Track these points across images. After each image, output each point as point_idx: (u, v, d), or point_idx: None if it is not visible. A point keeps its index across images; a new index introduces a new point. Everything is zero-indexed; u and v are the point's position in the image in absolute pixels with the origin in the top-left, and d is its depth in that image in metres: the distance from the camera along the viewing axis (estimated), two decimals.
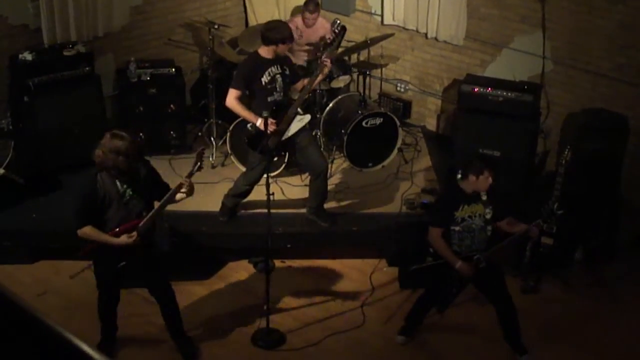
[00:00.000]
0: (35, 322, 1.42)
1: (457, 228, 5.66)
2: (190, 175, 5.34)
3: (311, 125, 7.58)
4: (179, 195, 5.35)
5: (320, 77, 6.62)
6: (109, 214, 5.23)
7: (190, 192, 5.37)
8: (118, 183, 5.19)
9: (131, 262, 5.44)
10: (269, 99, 6.46)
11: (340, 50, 8.00)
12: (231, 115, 7.00)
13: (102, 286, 5.71)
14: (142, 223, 5.29)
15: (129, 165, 5.10)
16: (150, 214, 5.33)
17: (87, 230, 5.23)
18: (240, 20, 9.23)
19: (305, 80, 6.65)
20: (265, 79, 6.42)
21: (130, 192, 5.24)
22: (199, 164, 5.36)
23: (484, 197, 5.65)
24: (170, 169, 7.44)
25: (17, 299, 1.44)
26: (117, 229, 5.24)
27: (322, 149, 7.66)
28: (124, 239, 5.24)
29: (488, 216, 5.68)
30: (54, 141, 7.42)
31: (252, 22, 9.06)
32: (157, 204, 5.41)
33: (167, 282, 5.75)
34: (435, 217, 5.85)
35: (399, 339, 6.22)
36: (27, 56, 7.21)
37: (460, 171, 6.78)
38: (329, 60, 6.51)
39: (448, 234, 5.68)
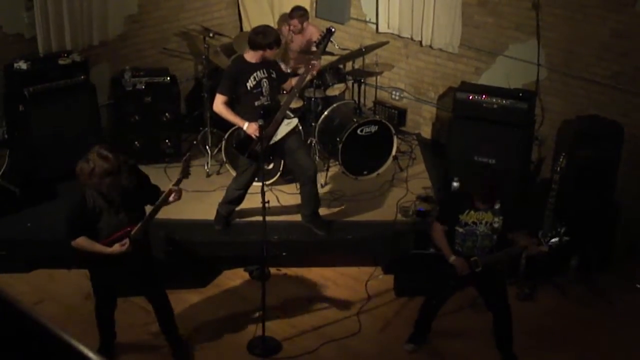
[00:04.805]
0: (36, 325, 1.42)
1: (460, 230, 5.67)
2: (178, 182, 5.33)
3: (306, 133, 7.60)
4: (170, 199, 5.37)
5: (307, 78, 6.61)
6: (100, 223, 5.23)
7: (178, 198, 5.37)
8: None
9: (127, 270, 5.45)
10: (256, 103, 6.43)
11: (334, 58, 8.03)
12: (226, 124, 7.00)
13: (98, 294, 5.72)
14: (134, 231, 5.30)
15: (115, 184, 5.06)
16: (142, 222, 5.34)
17: (80, 241, 5.25)
18: (235, 28, 9.24)
19: (293, 81, 6.64)
20: (250, 83, 6.39)
21: (120, 202, 5.23)
22: (185, 171, 5.36)
23: (496, 206, 5.62)
24: (165, 178, 7.41)
25: (18, 303, 1.44)
26: (109, 238, 5.25)
27: (317, 157, 7.67)
28: (116, 247, 5.25)
29: (496, 225, 5.63)
30: (49, 150, 7.40)
31: (247, 29, 9.07)
32: (148, 208, 5.42)
33: (162, 289, 5.78)
34: (439, 213, 6.06)
35: (408, 347, 6.17)
36: (22, 65, 7.21)
37: (455, 179, 6.82)
38: (316, 61, 6.51)
39: (453, 232, 5.70)
